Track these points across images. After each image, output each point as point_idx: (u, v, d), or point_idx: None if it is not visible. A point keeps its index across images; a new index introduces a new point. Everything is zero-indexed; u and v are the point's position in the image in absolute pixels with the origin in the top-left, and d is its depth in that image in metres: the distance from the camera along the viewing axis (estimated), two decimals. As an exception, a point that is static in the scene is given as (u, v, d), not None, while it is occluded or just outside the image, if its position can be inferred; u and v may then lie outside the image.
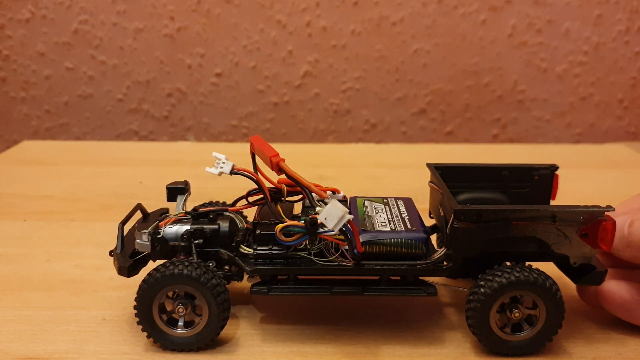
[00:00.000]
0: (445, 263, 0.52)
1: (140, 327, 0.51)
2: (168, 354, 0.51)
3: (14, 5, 1.26)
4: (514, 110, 1.34)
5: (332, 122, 1.35)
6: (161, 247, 0.53)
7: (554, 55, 1.30)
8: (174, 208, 0.59)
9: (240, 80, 1.31)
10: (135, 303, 0.50)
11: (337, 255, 0.51)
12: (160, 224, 0.54)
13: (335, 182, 0.96)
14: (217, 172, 0.52)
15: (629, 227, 0.52)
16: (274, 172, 0.51)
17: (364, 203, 0.59)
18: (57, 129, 1.36)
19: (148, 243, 0.52)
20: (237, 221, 0.57)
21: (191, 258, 0.52)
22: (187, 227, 0.54)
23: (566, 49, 1.29)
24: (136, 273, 0.53)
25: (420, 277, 0.53)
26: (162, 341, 0.51)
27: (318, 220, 0.48)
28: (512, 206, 0.53)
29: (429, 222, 0.61)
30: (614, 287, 0.53)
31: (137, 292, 0.50)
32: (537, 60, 1.30)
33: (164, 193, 0.59)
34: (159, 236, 0.53)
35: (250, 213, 0.58)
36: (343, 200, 0.58)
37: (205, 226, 0.54)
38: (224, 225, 0.55)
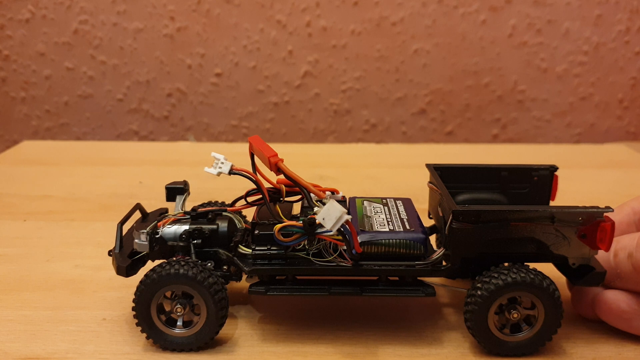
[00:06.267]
0: (443, 263, 0.52)
1: (140, 328, 0.51)
2: (168, 354, 0.51)
3: (14, 5, 1.26)
4: (514, 110, 1.34)
5: (332, 122, 1.35)
6: (160, 247, 0.53)
7: (554, 55, 1.30)
8: (173, 208, 0.59)
9: (240, 80, 1.31)
10: (133, 304, 0.50)
11: (335, 255, 0.51)
12: (158, 224, 0.54)
13: (335, 182, 0.96)
14: (215, 172, 0.52)
15: (614, 259, 0.52)
16: (272, 172, 0.51)
17: (362, 203, 0.59)
18: (57, 129, 1.36)
19: (146, 243, 0.52)
20: (236, 221, 0.57)
21: (188, 258, 0.52)
22: (186, 227, 0.54)
23: (566, 49, 1.29)
24: (135, 273, 0.53)
25: (419, 278, 0.53)
26: (161, 341, 0.51)
27: (316, 221, 0.48)
28: (510, 207, 0.53)
29: (428, 222, 0.61)
30: (611, 298, 0.53)
31: (135, 294, 0.50)
32: (537, 60, 1.30)
33: (163, 193, 0.59)
34: (157, 236, 0.53)
35: (249, 213, 0.58)
36: (342, 201, 0.58)
37: (203, 226, 0.54)
38: (223, 226, 0.55)
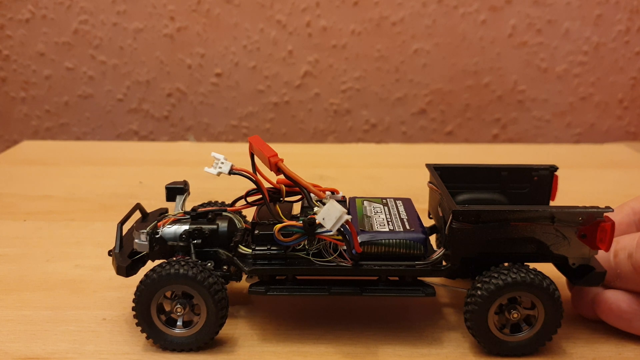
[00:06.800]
0: (443, 263, 0.52)
1: (140, 328, 0.51)
2: (168, 354, 0.51)
3: (14, 5, 1.26)
4: (514, 110, 1.34)
5: (332, 122, 1.35)
6: (160, 247, 0.53)
7: (554, 55, 1.30)
8: (173, 208, 0.59)
9: (240, 80, 1.31)
10: (133, 304, 0.50)
11: (335, 255, 0.51)
12: (158, 224, 0.54)
13: (335, 182, 0.96)
14: (215, 172, 0.52)
15: (614, 259, 0.52)
16: (272, 172, 0.51)
17: (362, 203, 0.59)
18: (57, 129, 1.36)
19: (146, 243, 0.52)
20: (236, 221, 0.57)
21: (188, 258, 0.52)
22: (186, 227, 0.54)
23: (566, 49, 1.29)
24: (135, 273, 0.53)
25: (419, 278, 0.53)
26: (161, 341, 0.51)
27: (316, 221, 0.48)
28: (510, 207, 0.53)
29: (428, 222, 0.61)
30: (611, 298, 0.53)
31: (135, 294, 0.50)
32: (537, 60, 1.30)
33: (164, 193, 0.59)
34: (157, 236, 0.53)
35: (249, 213, 0.58)
36: (342, 201, 0.58)
37: (203, 226, 0.54)
38: (223, 226, 0.55)
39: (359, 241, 0.50)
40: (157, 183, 0.93)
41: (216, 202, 0.63)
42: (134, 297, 0.50)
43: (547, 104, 1.34)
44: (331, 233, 0.49)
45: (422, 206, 0.62)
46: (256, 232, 0.52)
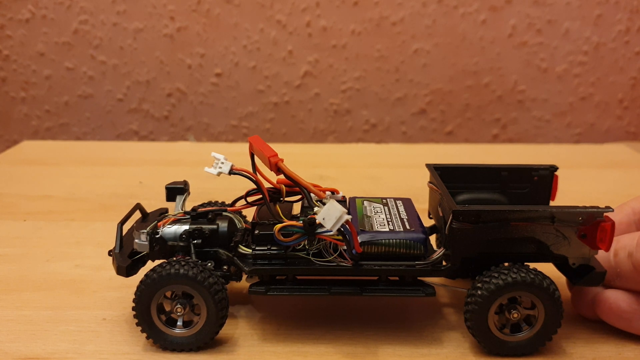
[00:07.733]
0: (444, 263, 0.52)
1: (140, 328, 0.51)
2: (168, 354, 0.51)
3: (14, 5, 1.26)
4: (514, 110, 1.34)
5: (332, 122, 1.35)
6: (160, 247, 0.53)
7: (554, 55, 1.30)
8: (173, 208, 0.59)
9: (240, 80, 1.31)
10: (133, 304, 0.50)
11: (335, 255, 0.51)
12: (158, 224, 0.54)
13: (335, 182, 0.96)
14: (215, 172, 0.52)
15: (614, 258, 0.52)
16: (272, 172, 0.51)
17: (363, 203, 0.59)
18: (57, 129, 1.36)
19: (146, 243, 0.52)
20: (236, 221, 0.57)
21: (189, 258, 0.52)
22: (186, 227, 0.54)
23: (566, 49, 1.29)
24: (135, 273, 0.54)
25: (419, 278, 0.53)
26: (161, 341, 0.51)
27: (316, 221, 0.48)
28: (510, 207, 0.53)
29: (428, 222, 0.61)
30: (611, 297, 0.53)
31: (135, 293, 0.50)
32: (537, 60, 1.30)
33: (163, 193, 0.59)
34: (157, 236, 0.53)
35: (249, 213, 0.58)
36: (342, 201, 0.58)
37: (204, 226, 0.54)
38: (223, 226, 0.55)
39: (359, 241, 0.50)
40: (157, 183, 0.93)
41: (216, 202, 0.63)
42: (134, 297, 0.50)
43: (547, 104, 1.34)
44: (331, 233, 0.49)
45: (422, 206, 0.62)
46: (256, 232, 0.52)
